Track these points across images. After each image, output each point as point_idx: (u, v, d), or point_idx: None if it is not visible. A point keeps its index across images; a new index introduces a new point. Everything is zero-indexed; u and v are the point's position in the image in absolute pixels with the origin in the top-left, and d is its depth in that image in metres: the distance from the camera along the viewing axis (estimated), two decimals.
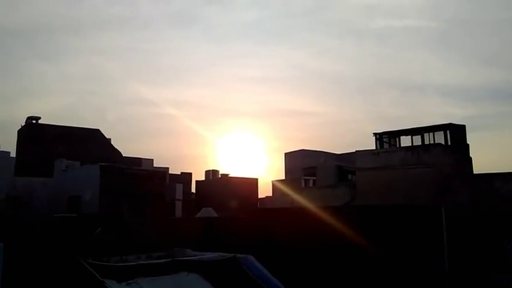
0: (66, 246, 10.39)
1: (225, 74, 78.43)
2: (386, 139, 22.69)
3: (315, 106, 74.07)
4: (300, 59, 71.73)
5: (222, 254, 9.14)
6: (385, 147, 22.45)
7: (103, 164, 22.18)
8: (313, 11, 73.83)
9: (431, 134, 21.01)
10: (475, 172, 19.48)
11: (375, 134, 22.97)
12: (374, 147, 22.45)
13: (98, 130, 34.24)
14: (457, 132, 20.61)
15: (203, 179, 37.89)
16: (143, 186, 21.69)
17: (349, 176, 28.82)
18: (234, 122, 76.84)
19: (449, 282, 11.41)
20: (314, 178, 31.09)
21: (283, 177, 32.92)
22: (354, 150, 21.91)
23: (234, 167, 71.77)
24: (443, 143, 20.46)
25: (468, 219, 15.58)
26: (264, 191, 34.31)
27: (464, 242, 13.54)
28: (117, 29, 73.90)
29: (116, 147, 34.47)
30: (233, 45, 77.69)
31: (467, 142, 20.85)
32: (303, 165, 31.80)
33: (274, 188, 30.52)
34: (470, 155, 20.40)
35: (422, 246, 11.06)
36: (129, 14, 73.78)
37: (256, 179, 35.58)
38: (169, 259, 8.92)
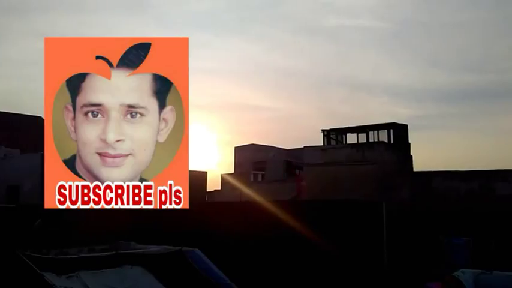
0: (3, 237, 9.91)
1: None
2: (334, 136, 23.34)
3: (267, 101, 74.63)
4: (254, 52, 71.94)
5: (167, 247, 9.02)
6: (332, 143, 23.08)
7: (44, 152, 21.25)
8: (268, 5, 74.20)
9: (375, 132, 21.84)
10: (415, 170, 20.48)
11: (323, 131, 23.55)
12: (322, 144, 23.04)
13: (40, 117, 32.74)
14: (399, 131, 21.56)
15: None
16: None
17: (297, 171, 29.41)
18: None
19: (388, 275, 11.96)
20: (263, 173, 31.44)
21: (232, 171, 33.00)
22: (303, 146, 22.38)
23: None
24: (386, 141, 21.32)
25: (407, 216, 16.36)
26: (214, 184, 34.24)
27: (403, 237, 14.21)
28: (64, 12, 70.66)
29: None
30: (185, 35, 76.00)
31: (409, 141, 21.86)
32: (252, 159, 32.04)
33: (223, 182, 30.54)
34: (411, 154, 21.43)
35: (364, 240, 11.51)
36: None
37: (205, 172, 35.36)
38: (113, 252, 8.70)
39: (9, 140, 25.84)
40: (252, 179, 30.83)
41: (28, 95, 66.54)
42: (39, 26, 67.91)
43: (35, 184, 20.08)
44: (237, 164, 33.20)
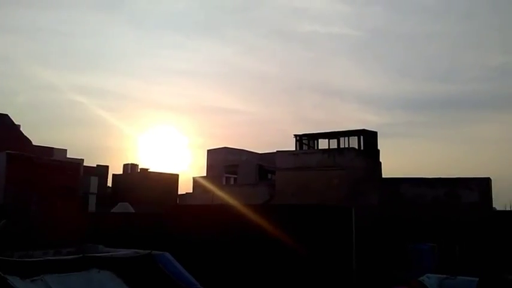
0: None
1: (150, 65, 76.43)
2: (306, 141, 23.56)
3: (240, 104, 74.77)
4: (228, 55, 71.99)
5: (136, 250, 8.89)
6: (304, 148, 23.30)
7: (10, 152, 20.58)
8: (243, 9, 74.44)
9: (346, 138, 22.18)
10: (384, 176, 20.89)
11: (295, 136, 23.74)
12: (294, 148, 23.22)
13: (6, 115, 31.73)
14: (369, 138, 21.96)
15: (121, 172, 36.67)
16: (54, 177, 20.37)
17: (270, 175, 29.51)
18: (157, 116, 75.18)
19: (356, 278, 12.15)
20: (235, 176, 31.42)
21: (204, 174, 32.85)
22: (275, 150, 22.50)
23: (155, 162, 70.35)
24: (356, 147, 21.69)
25: (376, 221, 16.67)
26: (186, 187, 34.03)
27: (371, 241, 14.47)
28: (33, 6, 68.76)
29: (25, 134, 32.18)
30: (159, 35, 75.86)
31: (378, 148, 22.28)
32: (225, 162, 31.98)
33: (195, 185, 30.34)
34: (381, 160, 21.85)
35: (333, 244, 11.67)
36: None
37: (177, 175, 35.15)
38: (80, 255, 8.51)
39: None
40: (224, 182, 30.75)
41: None
42: (6, 19, 65.96)
43: None
44: (210, 167, 33.07)
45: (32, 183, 18.91)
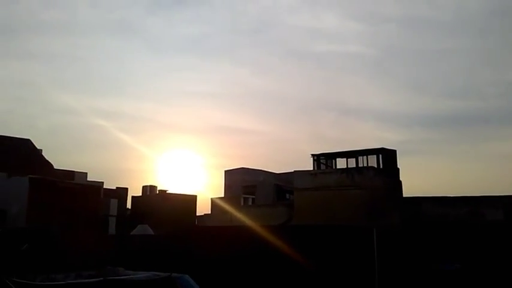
0: None
1: (165, 88, 77.51)
2: (324, 160, 23.43)
3: (255, 124, 75.09)
4: (243, 76, 72.75)
5: (156, 273, 8.89)
6: (322, 168, 23.16)
7: (33, 176, 21.01)
8: (257, 30, 75.44)
9: (365, 157, 21.98)
10: (404, 195, 20.56)
11: (313, 155, 23.64)
12: (312, 168, 23.10)
13: (29, 140, 32.45)
14: (388, 157, 21.72)
15: (140, 194, 36.89)
16: (76, 200, 20.76)
17: (287, 195, 29.34)
18: (174, 137, 75.86)
19: None
20: (253, 196, 31.32)
21: (222, 195, 32.84)
22: (293, 170, 22.41)
23: (173, 183, 70.60)
24: (376, 166, 21.46)
25: (398, 241, 16.34)
26: (203, 207, 34.01)
27: (394, 262, 14.17)
28: (53, 34, 70.89)
29: (47, 158, 32.80)
30: (175, 58, 77.21)
31: (398, 166, 22.02)
32: (242, 183, 31.95)
33: (213, 206, 30.30)
34: (401, 179, 21.55)
35: (355, 265, 11.46)
36: (66, 19, 71.11)
37: (195, 196, 35.19)
38: (100, 278, 8.54)
39: None
40: (242, 203, 30.67)
41: (17, 117, 66.16)
42: (26, 46, 68.08)
43: (22, 208, 19.77)
44: (227, 188, 33.07)
45: (53, 207, 19.27)
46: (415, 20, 69.25)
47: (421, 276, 15.05)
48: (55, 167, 31.97)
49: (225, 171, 34.32)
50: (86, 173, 33.23)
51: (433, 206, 18.85)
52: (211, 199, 31.97)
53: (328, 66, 73.09)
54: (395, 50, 71.41)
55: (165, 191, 35.90)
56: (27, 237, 11.33)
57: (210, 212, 31.09)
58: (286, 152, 71.57)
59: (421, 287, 14.37)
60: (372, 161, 21.68)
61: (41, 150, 33.20)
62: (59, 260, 10.87)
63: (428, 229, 17.46)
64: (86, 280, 8.61)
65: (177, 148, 70.09)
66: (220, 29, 75.58)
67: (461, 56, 68.00)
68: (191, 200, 34.47)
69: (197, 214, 34.15)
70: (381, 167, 21.57)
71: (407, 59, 72.32)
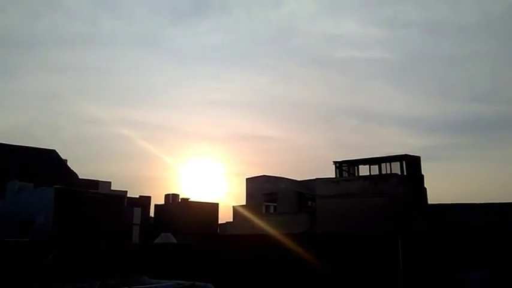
0: (17, 272, 9.88)
1: (187, 97, 78.30)
2: (346, 168, 23.20)
3: (276, 131, 74.97)
4: (263, 84, 72.90)
5: (180, 282, 8.93)
6: (344, 175, 22.93)
7: (58, 186, 21.42)
8: (278, 38, 75.60)
9: (388, 164, 21.67)
10: (429, 202, 20.16)
11: (335, 163, 23.44)
12: (334, 175, 22.90)
13: (54, 151, 33.18)
14: (412, 163, 21.36)
15: (163, 202, 37.23)
16: (100, 210, 21.05)
17: (309, 203, 29.13)
18: (196, 145, 76.41)
19: None
20: (275, 204, 31.21)
21: (243, 202, 32.81)
22: (314, 178, 22.27)
23: (195, 191, 71.06)
24: (399, 173, 21.12)
25: (423, 249, 16.01)
26: (224, 215, 34.07)
27: (419, 270, 13.88)
28: (76, 46, 72.51)
29: (72, 168, 33.44)
30: (196, 68, 77.94)
31: (422, 173, 21.61)
32: (264, 190, 31.87)
33: (235, 213, 30.32)
34: (425, 186, 21.14)
35: (380, 274, 11.28)
36: (89, 31, 72.74)
37: (217, 204, 35.32)
38: (125, 287, 8.63)
39: (23, 173, 26.05)
40: (264, 210, 30.58)
41: (43, 128, 67.80)
42: (50, 59, 69.81)
43: (48, 218, 20.13)
44: (249, 196, 33.04)
45: (78, 216, 19.58)
46: (438, 24, 68.31)
47: (447, 284, 14.70)
48: (80, 177, 32.57)
49: (247, 179, 34.33)
50: (110, 182, 33.73)
51: (460, 213, 18.41)
52: (233, 207, 32.02)
53: (350, 72, 72.66)
54: (418, 55, 70.51)
55: (188, 199, 36.14)
56: (53, 248, 11.51)
57: (232, 220, 31.14)
58: (308, 159, 71.23)
59: None
60: (396, 167, 21.36)
61: (66, 160, 33.88)
62: (84, 269, 11.01)
63: (454, 236, 17.07)
64: None
65: (199, 156, 70.55)
66: (241, 37, 76.15)
67: (487, 60, 66.65)
68: (213, 208, 34.61)
69: (219, 222, 34.25)
70: (405, 173, 21.23)
71: (431, 64, 71.32)
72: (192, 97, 77.76)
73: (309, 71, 74.10)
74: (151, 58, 74.88)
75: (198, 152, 71.87)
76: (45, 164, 30.12)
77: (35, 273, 9.71)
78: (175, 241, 21.03)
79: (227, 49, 76.13)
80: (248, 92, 75.59)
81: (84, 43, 72.47)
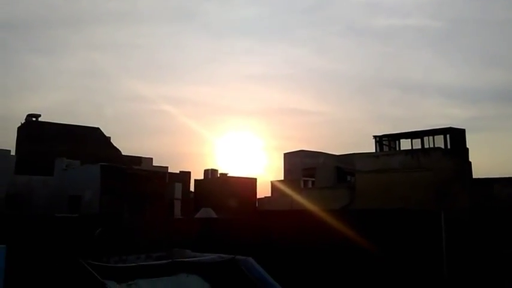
0: (67, 246, 10.42)
1: (224, 71, 78.49)
2: (386, 142, 22.75)
3: (314, 105, 74.23)
4: (300, 56, 71.93)
5: (221, 255, 9.14)
6: (384, 150, 22.51)
7: (104, 163, 22.21)
8: (314, 9, 73.96)
9: (431, 137, 21.07)
10: (474, 176, 19.53)
11: (375, 137, 23.02)
12: (373, 149, 22.53)
13: (98, 128, 34.26)
14: (457, 137, 20.68)
15: (202, 178, 37.92)
16: (143, 186, 21.73)
17: (348, 178, 28.89)
18: (233, 120, 76.93)
19: (448, 285, 11.46)
20: (313, 179, 31.16)
21: (282, 177, 32.93)
22: (353, 152, 22.01)
23: (232, 166, 71.94)
24: (443, 147, 20.51)
25: (467, 225, 15.62)
26: (263, 190, 34.35)
27: (463, 246, 13.59)
28: (115, 24, 73.90)
29: (115, 145, 34.51)
30: (232, 42, 77.75)
31: (467, 146, 20.91)
32: (302, 165, 31.83)
33: (273, 188, 30.52)
34: (470, 160, 20.47)
35: (421, 251, 11.11)
36: (127, 9, 73.78)
37: (255, 179, 35.59)
38: (169, 260, 8.92)
39: (70, 151, 27.09)
40: (302, 185, 30.60)
41: (86, 105, 70.04)
42: (91, 37, 71.36)
43: (95, 194, 21.00)
44: (287, 171, 33.10)
45: (123, 192, 20.29)
46: None
47: (492, 261, 14.34)
48: (123, 153, 33.59)
49: (285, 154, 34.32)
50: (152, 158, 34.63)
51: (505, 188, 17.75)
52: (271, 182, 32.19)
53: (390, 41, 70.42)
54: (461, 22, 67.28)
55: (226, 174, 36.62)
56: (101, 222, 12.02)
57: (270, 195, 31.39)
58: (347, 133, 70.34)
59: (491, 273, 13.71)
60: (439, 141, 20.73)
61: (110, 137, 34.96)
62: (130, 243, 11.46)
63: (499, 212, 16.52)
64: (156, 262, 9.04)
65: (237, 131, 71.08)
66: (277, 9, 74.99)
67: None
68: (251, 183, 34.92)
69: (257, 197, 34.60)
70: (449, 147, 20.59)
71: (475, 31, 67.91)
72: (229, 71, 77.98)
73: (346, 41, 72.36)
74: (187, 33, 75.33)
75: (236, 127, 72.45)
76: (90, 142, 31.21)
77: (84, 246, 10.19)
78: (215, 216, 21.47)
79: (263, 22, 75.32)
80: (286, 65, 74.92)
81: (123, 20, 73.67)
